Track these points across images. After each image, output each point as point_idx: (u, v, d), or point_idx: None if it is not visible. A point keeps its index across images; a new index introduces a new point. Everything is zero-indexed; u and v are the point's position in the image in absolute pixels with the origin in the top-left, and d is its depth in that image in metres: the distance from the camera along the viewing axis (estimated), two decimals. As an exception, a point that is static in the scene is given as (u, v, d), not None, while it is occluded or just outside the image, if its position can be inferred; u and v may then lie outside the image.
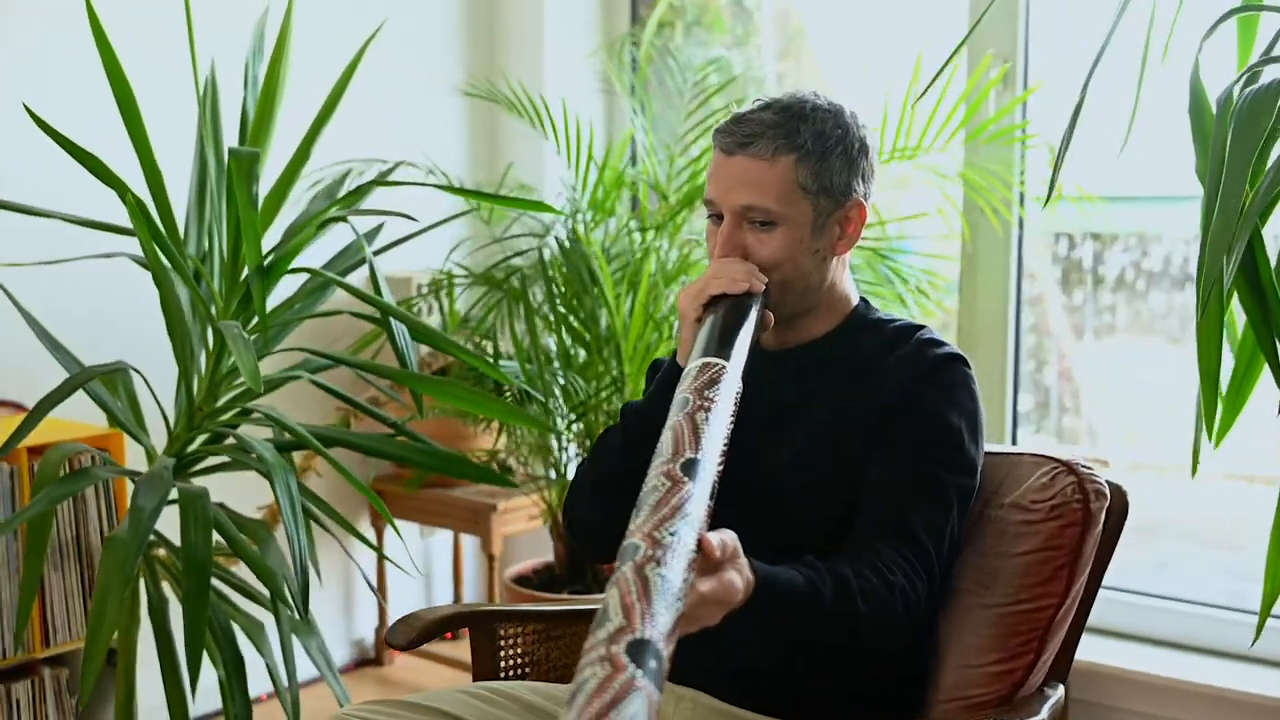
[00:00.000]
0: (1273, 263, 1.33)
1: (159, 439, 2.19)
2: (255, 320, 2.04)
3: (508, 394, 2.78)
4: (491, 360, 2.75)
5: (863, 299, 1.66)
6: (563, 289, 2.82)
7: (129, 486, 2.15)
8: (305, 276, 2.20)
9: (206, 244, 2.14)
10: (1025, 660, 1.55)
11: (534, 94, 2.97)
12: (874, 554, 1.43)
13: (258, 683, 2.20)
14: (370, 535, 3.26)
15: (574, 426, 2.89)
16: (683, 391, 1.25)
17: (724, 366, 1.30)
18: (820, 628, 1.38)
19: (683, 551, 0.98)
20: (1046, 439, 3.16)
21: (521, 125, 3.04)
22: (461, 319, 2.97)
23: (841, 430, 1.54)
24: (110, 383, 2.17)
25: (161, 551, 2.17)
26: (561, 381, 2.83)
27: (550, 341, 2.90)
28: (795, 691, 1.54)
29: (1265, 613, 1.40)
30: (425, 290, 3.00)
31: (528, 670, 1.87)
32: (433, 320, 3.06)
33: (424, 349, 2.95)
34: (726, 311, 1.44)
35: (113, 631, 1.87)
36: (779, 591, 1.30)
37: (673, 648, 0.90)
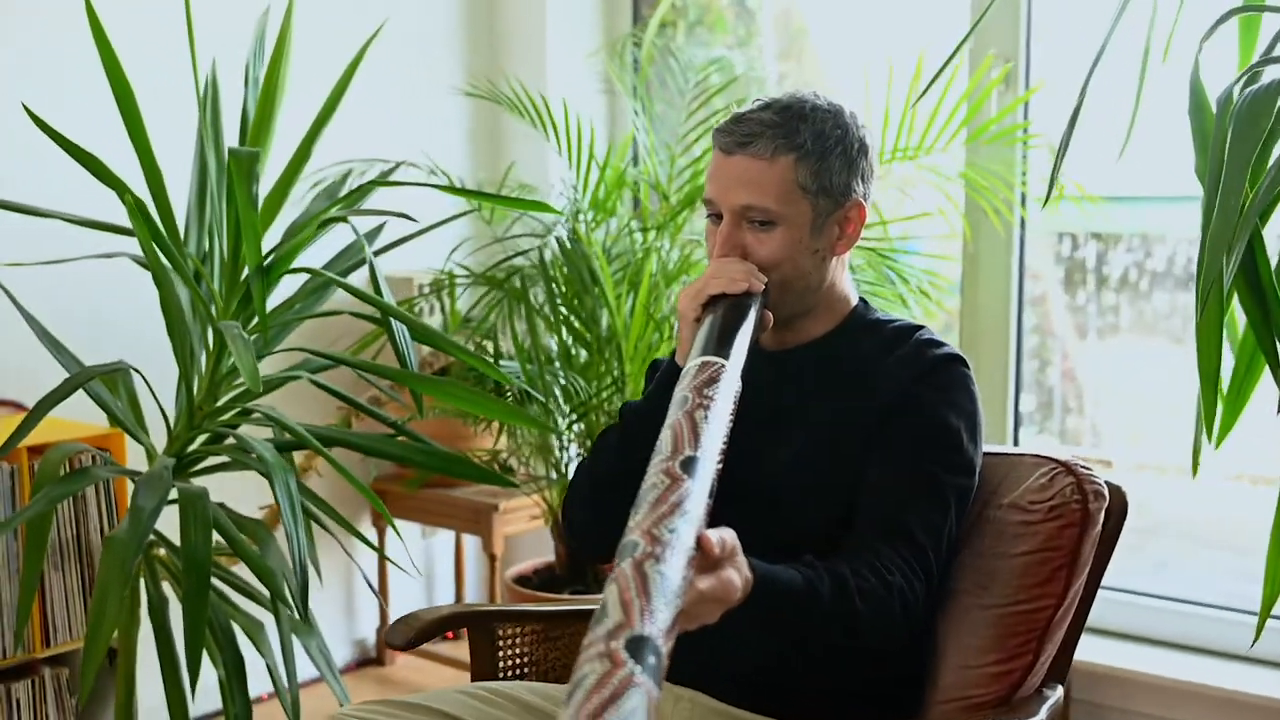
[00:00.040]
0: (1273, 263, 1.33)
1: (159, 439, 2.19)
2: (255, 320, 2.04)
3: (508, 394, 2.78)
4: (492, 360, 2.75)
5: (862, 299, 1.66)
6: (563, 289, 2.82)
7: (129, 486, 2.15)
8: (305, 277, 2.20)
9: (207, 244, 2.14)
10: (1024, 661, 1.55)
11: (535, 94, 2.97)
12: (872, 554, 1.43)
13: (258, 683, 2.20)
14: (372, 535, 3.26)
15: (575, 427, 2.89)
16: (682, 390, 1.25)
17: (723, 365, 1.30)
18: (818, 626, 1.38)
19: (682, 549, 0.98)
20: (1050, 439, 3.15)
21: (523, 125, 3.04)
22: (463, 319, 2.97)
23: (840, 431, 1.54)
24: (110, 382, 2.17)
25: (162, 551, 2.17)
26: (562, 382, 2.83)
27: (551, 342, 2.90)
28: (793, 691, 1.54)
29: (1265, 613, 1.40)
30: (427, 290, 3.00)
31: (527, 670, 1.87)
32: (434, 320, 3.06)
33: (425, 349, 2.95)
34: (725, 311, 1.44)
35: (112, 631, 1.86)
36: (777, 590, 1.30)
37: (671, 644, 0.90)
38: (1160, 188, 2.86)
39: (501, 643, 1.85)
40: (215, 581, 2.07)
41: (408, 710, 1.59)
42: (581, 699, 0.78)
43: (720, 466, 1.15)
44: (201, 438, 2.17)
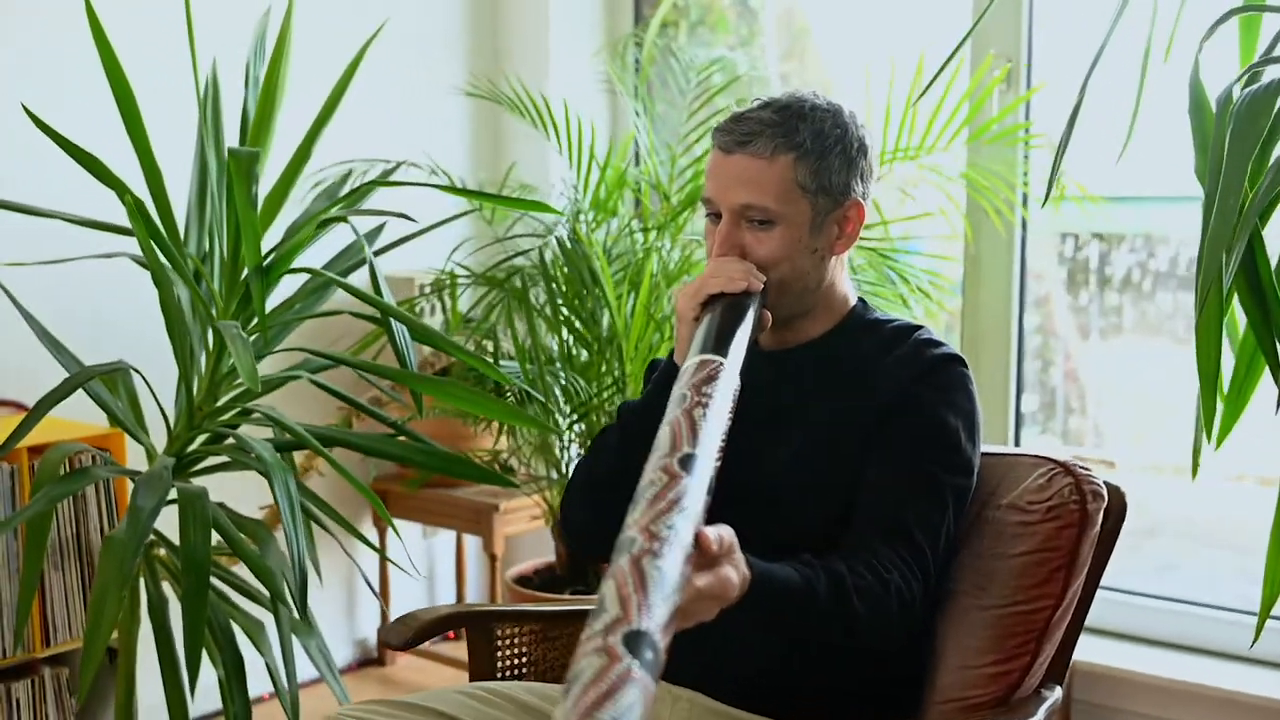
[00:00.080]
0: (1273, 263, 1.32)
1: (159, 439, 2.19)
2: (255, 320, 2.04)
3: (508, 394, 2.78)
4: (492, 360, 2.75)
5: (860, 299, 1.66)
6: (564, 289, 2.82)
7: (129, 486, 2.15)
8: (306, 276, 2.20)
9: (207, 244, 2.14)
10: (1022, 662, 1.54)
11: (537, 94, 2.97)
12: (870, 553, 1.43)
13: (258, 683, 2.20)
14: (374, 534, 3.26)
15: (575, 427, 2.89)
16: (680, 388, 1.25)
17: (721, 363, 1.30)
18: (815, 625, 1.38)
19: (679, 545, 0.98)
20: (1052, 440, 3.15)
21: (524, 125, 3.04)
22: (463, 319, 2.97)
23: (839, 430, 1.54)
24: (110, 382, 2.17)
25: (161, 551, 2.17)
26: (563, 382, 2.83)
27: (552, 342, 2.90)
28: (791, 692, 1.54)
29: (1265, 614, 1.39)
30: (428, 290, 3.00)
31: (525, 670, 1.86)
32: (436, 320, 3.06)
33: (426, 349, 2.95)
34: (724, 310, 1.43)
35: (111, 630, 1.86)
36: (775, 588, 1.30)
37: (669, 640, 0.90)
38: (1163, 188, 2.86)
39: (500, 643, 1.84)
40: (215, 581, 2.07)
41: (405, 710, 1.59)
42: (578, 693, 0.78)
43: (718, 464, 1.15)
44: (201, 438, 2.17)
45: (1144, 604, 2.81)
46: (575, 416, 2.86)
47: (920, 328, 1.60)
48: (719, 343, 1.35)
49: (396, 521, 3.28)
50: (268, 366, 2.18)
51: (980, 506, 1.60)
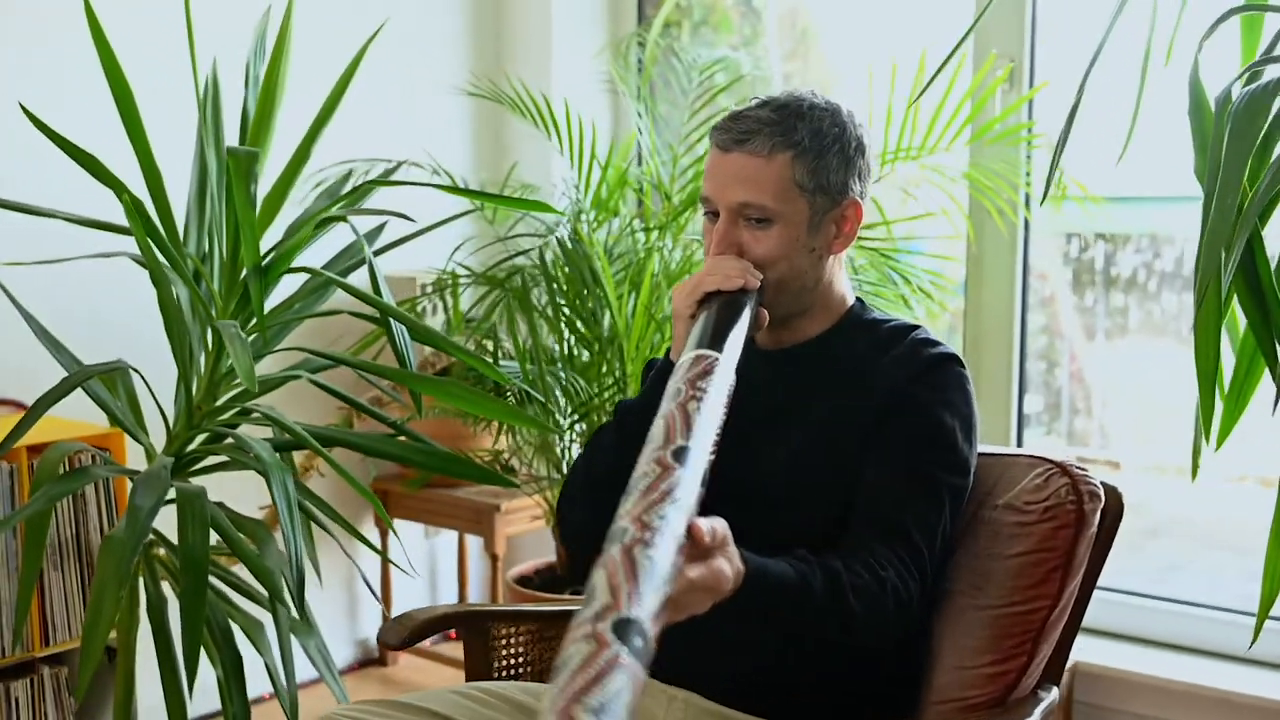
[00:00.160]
0: (1272, 263, 1.32)
1: (158, 438, 2.19)
2: (254, 320, 2.04)
3: (509, 394, 2.78)
4: (492, 360, 2.74)
5: (858, 299, 1.65)
6: (565, 289, 2.81)
7: (128, 485, 2.14)
8: (305, 276, 2.20)
9: (207, 244, 2.14)
10: (1018, 662, 1.54)
11: (539, 93, 2.97)
12: (867, 552, 1.43)
13: (258, 683, 2.19)
14: (374, 534, 3.26)
15: (576, 427, 2.88)
16: (675, 382, 1.25)
17: (716, 358, 1.29)
18: (810, 621, 1.38)
19: (671, 535, 0.98)
20: (1057, 441, 3.14)
21: (526, 125, 3.03)
22: (465, 318, 2.96)
23: (837, 430, 1.54)
24: (110, 382, 2.17)
25: (160, 550, 2.17)
26: (563, 382, 2.82)
27: (553, 342, 2.90)
28: (787, 692, 1.53)
29: (1263, 614, 1.39)
30: (429, 290, 3.00)
31: (523, 670, 1.86)
32: (437, 320, 3.06)
33: (427, 349, 2.95)
34: (720, 307, 1.43)
35: (109, 630, 1.86)
36: (769, 583, 1.30)
37: (659, 630, 0.89)
38: (1168, 188, 2.85)
39: (497, 643, 1.84)
40: (214, 581, 2.07)
41: (400, 710, 1.59)
42: (566, 678, 0.77)
43: (713, 459, 1.14)
44: (200, 437, 2.17)
45: (1143, 604, 2.81)
46: (576, 417, 2.85)
47: (917, 327, 1.60)
48: (714, 338, 1.35)
49: (398, 522, 3.28)
50: (267, 366, 2.18)
51: (977, 506, 1.60)
